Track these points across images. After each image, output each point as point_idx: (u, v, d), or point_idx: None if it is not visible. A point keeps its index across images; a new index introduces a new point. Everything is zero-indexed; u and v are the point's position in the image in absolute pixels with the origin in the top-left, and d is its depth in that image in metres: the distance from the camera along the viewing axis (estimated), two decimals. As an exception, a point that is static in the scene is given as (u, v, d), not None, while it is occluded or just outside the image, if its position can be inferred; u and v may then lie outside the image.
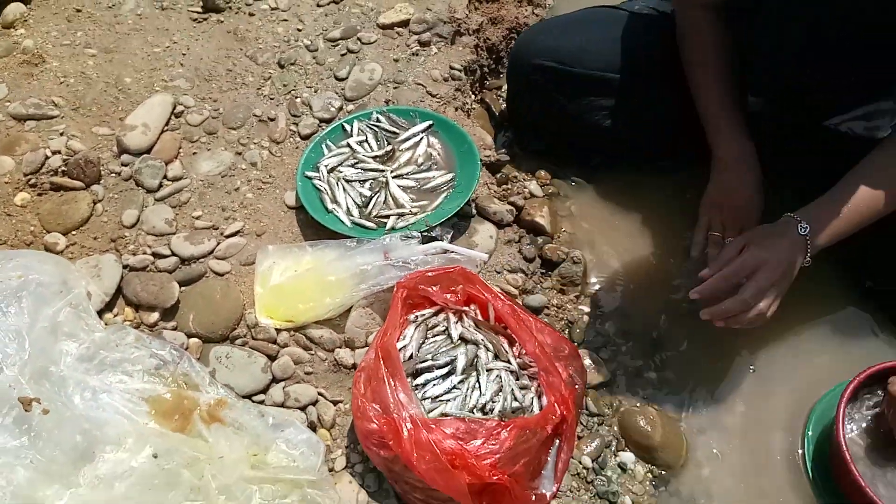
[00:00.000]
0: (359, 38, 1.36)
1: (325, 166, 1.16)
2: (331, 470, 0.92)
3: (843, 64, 1.03)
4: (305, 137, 1.22)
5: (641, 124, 1.20)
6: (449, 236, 1.07)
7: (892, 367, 0.96)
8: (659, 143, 1.25)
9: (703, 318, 0.95)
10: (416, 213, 1.11)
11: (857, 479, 0.88)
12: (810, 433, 1.01)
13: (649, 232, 1.22)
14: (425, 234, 1.06)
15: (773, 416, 1.03)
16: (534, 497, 0.90)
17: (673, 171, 1.27)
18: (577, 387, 0.96)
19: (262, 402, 0.96)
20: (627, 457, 0.98)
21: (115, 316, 1.01)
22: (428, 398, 0.91)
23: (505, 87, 1.40)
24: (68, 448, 0.84)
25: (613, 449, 0.99)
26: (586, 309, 1.13)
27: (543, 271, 1.14)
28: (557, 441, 0.93)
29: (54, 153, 1.16)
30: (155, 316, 1.02)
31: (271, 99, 1.28)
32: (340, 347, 1.01)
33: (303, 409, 0.95)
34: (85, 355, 0.93)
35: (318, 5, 1.42)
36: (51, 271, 0.97)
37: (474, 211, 1.15)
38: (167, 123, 1.21)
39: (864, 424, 0.97)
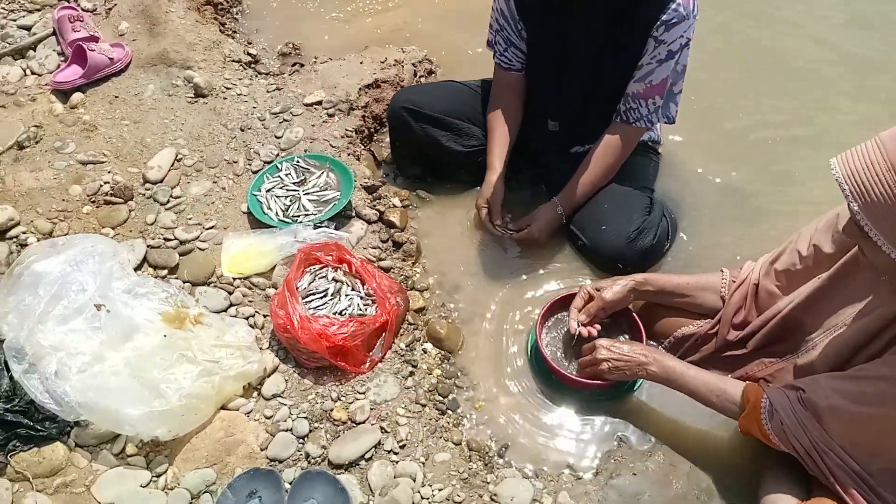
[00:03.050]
0: (291, 112, 2.17)
1: (265, 188, 1.96)
2: (260, 349, 1.69)
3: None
4: (255, 172, 2.02)
5: (464, 151, 2.00)
6: (333, 226, 1.87)
7: (564, 298, 1.71)
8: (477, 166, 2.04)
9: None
10: (315, 214, 1.90)
11: (547, 360, 1.64)
12: (531, 339, 1.77)
13: (464, 224, 2.01)
14: (318, 225, 1.86)
15: (517, 327, 1.80)
16: (368, 359, 1.68)
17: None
18: (399, 307, 1.75)
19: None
20: (428, 346, 1.75)
21: (143, 271, 1.79)
22: (312, 308, 1.69)
23: (387, 139, 2.22)
24: (119, 332, 1.60)
25: (421, 341, 1.75)
26: (418, 269, 1.91)
27: (394, 248, 1.93)
28: (384, 333, 1.71)
29: (105, 183, 1.96)
30: (165, 272, 1.80)
31: (235, 150, 2.08)
32: (269, 287, 1.79)
33: (246, 318, 1.73)
34: (126, 288, 1.69)
35: (267, 91, 2.25)
36: (107, 246, 1.74)
37: (354, 213, 1.95)
38: (172, 165, 2.02)
39: (556, 332, 1.74)
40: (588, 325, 1.62)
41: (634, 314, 1.67)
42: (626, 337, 1.68)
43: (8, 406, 1.48)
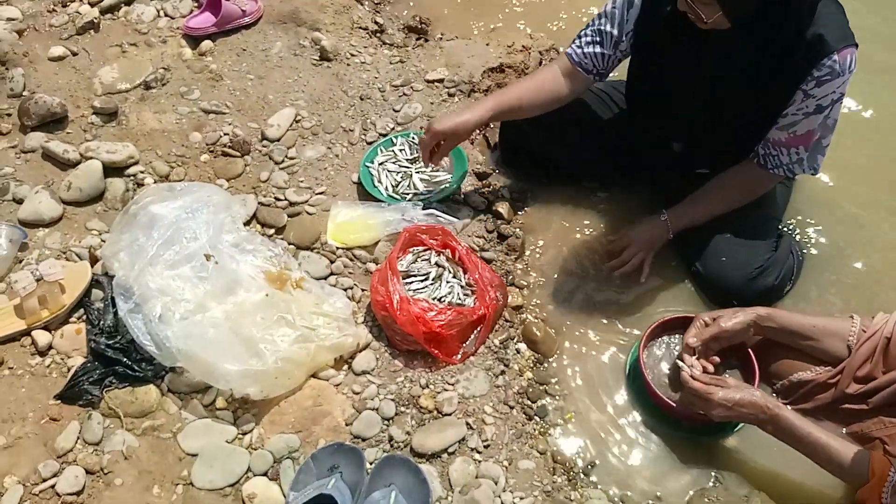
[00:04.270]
0: (411, 87, 2.14)
1: (378, 161, 1.93)
2: (355, 323, 1.67)
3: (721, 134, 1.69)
4: (369, 143, 2.00)
5: (581, 156, 1.91)
6: (442, 209, 1.82)
7: (673, 319, 1.63)
8: (590, 170, 1.96)
9: (605, 268, 1.73)
10: (425, 195, 1.86)
11: (648, 383, 1.54)
12: (631, 356, 1.68)
13: (572, 228, 1.93)
14: (427, 206, 1.81)
15: (616, 342, 1.72)
16: (462, 349, 1.63)
17: (597, 194, 1.99)
18: (498, 301, 1.69)
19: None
20: (521, 346, 1.69)
21: (251, 227, 1.80)
22: (412, 290, 1.66)
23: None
24: (223, 284, 1.60)
25: (514, 340, 1.69)
26: (520, 266, 1.85)
27: (498, 240, 1.87)
28: (480, 327, 1.66)
29: (224, 134, 1.97)
30: (272, 231, 1.80)
31: (352, 118, 2.06)
32: (370, 262, 1.77)
33: (344, 289, 1.71)
34: (234, 242, 1.70)
35: (391, 63, 2.22)
36: (221, 197, 1.76)
37: (462, 198, 1.90)
38: (290, 125, 2.02)
39: (659, 354, 1.64)
40: (699, 353, 1.51)
41: (749, 349, 1.55)
42: (737, 374, 1.57)
43: (110, 342, 1.51)
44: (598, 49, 1.70)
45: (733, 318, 1.50)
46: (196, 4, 2.34)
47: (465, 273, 1.70)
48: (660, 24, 1.59)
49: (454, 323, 1.58)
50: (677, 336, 1.63)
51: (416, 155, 1.94)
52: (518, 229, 1.88)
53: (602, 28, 1.69)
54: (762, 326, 1.52)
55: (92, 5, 2.31)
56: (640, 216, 1.82)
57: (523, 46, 2.27)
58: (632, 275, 1.76)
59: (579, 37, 1.74)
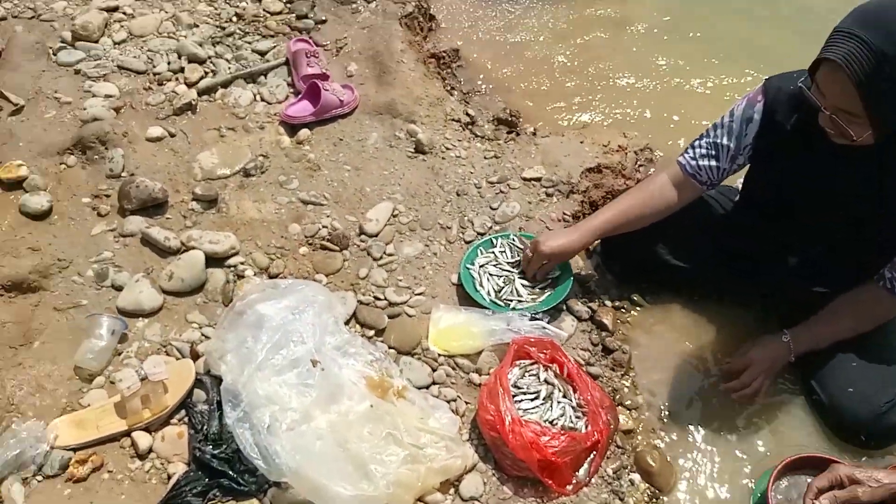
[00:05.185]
0: (508, 184, 2.11)
1: (478, 263, 1.89)
2: (462, 441, 1.59)
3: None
4: (467, 242, 1.96)
5: (686, 266, 1.85)
6: (546, 319, 1.76)
7: (806, 458, 1.53)
8: (700, 282, 1.89)
9: (722, 389, 1.64)
10: (529, 303, 1.81)
11: None
12: (756, 491, 1.58)
13: (681, 342, 1.85)
14: (533, 315, 1.76)
15: (736, 473, 1.62)
16: (574, 479, 1.54)
17: (705, 304, 1.92)
18: (610, 426, 1.61)
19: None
20: (635, 477, 1.59)
21: (351, 327, 1.75)
22: (521, 409, 1.58)
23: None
24: (328, 392, 1.55)
25: (627, 469, 1.60)
26: (627, 383, 1.77)
27: (602, 353, 1.80)
28: (593, 454, 1.57)
29: (323, 227, 1.95)
30: (371, 332, 1.75)
31: (449, 214, 2.04)
32: (473, 372, 1.70)
33: (448, 401, 1.64)
34: (337, 345, 1.65)
35: (485, 157, 2.20)
36: (325, 296, 1.72)
37: (565, 308, 1.84)
38: (388, 220, 1.99)
39: (788, 491, 1.54)
40: None
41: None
42: None
43: (216, 452, 1.45)
44: (712, 163, 1.67)
45: (876, 490, 1.38)
46: (292, 91, 2.36)
47: (574, 391, 1.63)
48: (784, 136, 1.55)
49: (568, 450, 1.50)
50: (807, 476, 1.53)
51: (517, 258, 1.90)
52: (624, 343, 1.81)
53: (718, 141, 1.65)
54: None
55: (189, 86, 2.34)
56: (754, 333, 1.75)
57: (619, 146, 2.25)
58: (750, 396, 1.67)
59: (693, 147, 1.70)
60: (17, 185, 1.99)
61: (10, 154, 2.07)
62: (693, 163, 1.68)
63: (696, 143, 1.70)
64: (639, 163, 2.26)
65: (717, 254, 1.83)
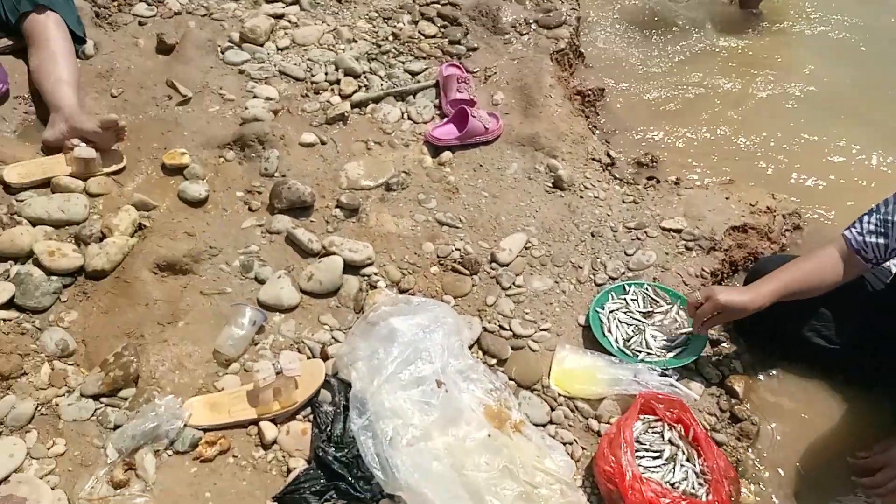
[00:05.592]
0: (645, 232, 2.07)
1: (608, 308, 1.85)
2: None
3: None
4: (598, 285, 1.93)
5: (829, 347, 1.75)
6: (676, 377, 1.70)
7: None
8: (842, 363, 1.77)
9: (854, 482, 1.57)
10: (658, 356, 1.75)
11: None
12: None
13: (814, 422, 1.74)
14: (662, 370, 1.70)
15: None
16: (688, 548, 1.47)
17: (842, 386, 1.79)
18: (731, 498, 1.53)
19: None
20: (754, 555, 1.51)
21: (474, 353, 1.76)
22: (641, 466, 1.53)
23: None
24: (448, 414, 1.57)
25: (746, 547, 1.52)
26: (752, 456, 1.68)
27: (730, 421, 1.71)
28: (712, 524, 1.50)
29: (456, 250, 1.98)
30: (493, 361, 1.75)
31: (581, 254, 2.01)
32: (592, 418, 1.67)
33: (564, 443, 1.61)
34: (460, 369, 1.67)
35: (623, 201, 2.17)
36: (453, 319, 1.74)
37: (694, 367, 1.77)
38: (520, 251, 2.00)
39: None
40: None
41: None
42: None
43: (338, 455, 1.49)
44: (881, 240, 1.58)
45: None
46: (437, 113, 2.43)
47: (699, 457, 1.56)
48: None
49: (689, 517, 1.43)
50: None
51: (649, 308, 1.85)
52: (755, 415, 1.71)
53: (889, 218, 1.56)
54: None
55: (343, 98, 2.46)
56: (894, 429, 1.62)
57: (767, 208, 2.15)
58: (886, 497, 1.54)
59: (860, 222, 1.62)
60: (178, 171, 2.15)
61: (174, 142, 2.23)
62: (860, 238, 1.60)
63: (865, 218, 1.62)
64: (785, 228, 2.15)
65: (865, 335, 1.72)
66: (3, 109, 2.19)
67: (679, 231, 2.06)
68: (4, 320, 1.67)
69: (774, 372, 1.83)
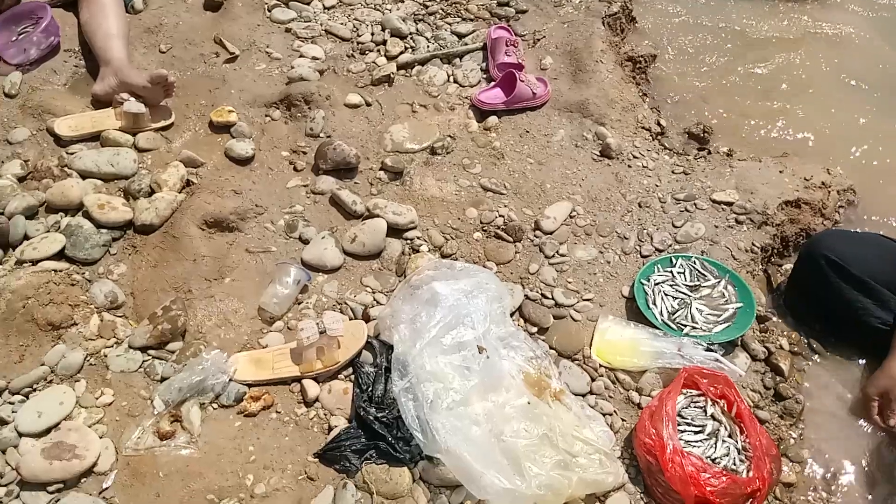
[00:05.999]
0: (695, 204, 2.01)
1: (654, 280, 1.82)
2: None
3: None
4: (644, 256, 1.90)
5: (881, 328, 1.70)
6: (721, 352, 1.67)
7: None
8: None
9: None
10: (703, 331, 1.72)
11: None
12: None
13: (859, 403, 1.70)
14: (707, 345, 1.67)
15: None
16: (729, 524, 1.46)
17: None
18: (772, 476, 1.51)
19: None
20: (793, 534, 1.49)
21: (515, 320, 1.75)
22: (683, 441, 1.52)
23: (786, 266, 1.96)
24: (486, 380, 1.57)
25: (785, 525, 1.50)
26: (794, 434, 1.65)
27: (773, 399, 1.68)
28: (751, 501, 1.48)
29: (500, 216, 1.96)
30: (534, 329, 1.74)
31: (628, 225, 1.98)
32: (633, 390, 1.65)
33: (604, 414, 1.61)
34: (501, 336, 1.66)
35: (673, 172, 2.11)
36: (496, 286, 1.73)
37: (740, 343, 1.74)
38: (565, 220, 1.97)
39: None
40: None
41: None
42: None
43: (379, 415, 1.51)
44: None
45: None
46: (484, 77, 2.38)
47: (741, 433, 1.54)
48: None
49: (727, 492, 1.41)
50: None
51: (696, 282, 1.81)
52: (799, 393, 1.68)
53: None
54: None
55: (389, 59, 2.43)
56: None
57: (822, 183, 2.08)
58: None
59: None
60: (225, 128, 2.16)
61: (221, 99, 2.24)
62: None
63: None
64: (840, 204, 2.08)
65: None
66: (54, 62, 2.22)
67: (730, 204, 2.00)
68: (55, 271, 1.71)
69: (822, 350, 1.79)
